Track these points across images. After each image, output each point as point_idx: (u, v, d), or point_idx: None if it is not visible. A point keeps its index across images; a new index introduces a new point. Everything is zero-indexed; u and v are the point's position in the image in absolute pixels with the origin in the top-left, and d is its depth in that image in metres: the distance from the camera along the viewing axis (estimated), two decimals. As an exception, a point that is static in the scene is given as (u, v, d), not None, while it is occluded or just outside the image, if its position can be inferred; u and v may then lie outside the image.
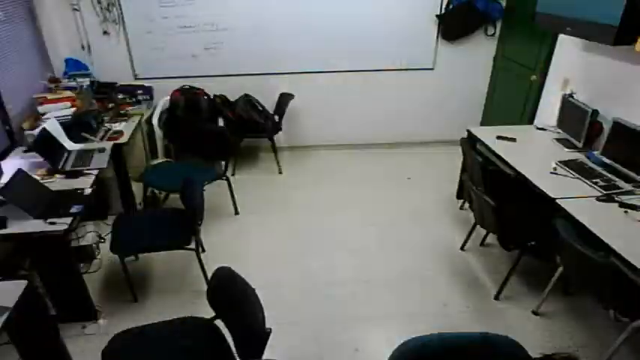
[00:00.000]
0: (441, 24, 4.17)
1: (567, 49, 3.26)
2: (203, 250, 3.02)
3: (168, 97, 4.04)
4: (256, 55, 4.18)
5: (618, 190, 2.35)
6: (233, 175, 4.14)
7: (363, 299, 2.63)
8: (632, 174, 2.43)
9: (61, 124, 3.00)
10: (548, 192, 2.36)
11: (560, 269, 2.35)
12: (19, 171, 2.29)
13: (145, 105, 3.89)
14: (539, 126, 3.33)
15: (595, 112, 2.80)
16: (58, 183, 2.49)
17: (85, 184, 2.46)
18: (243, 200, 3.64)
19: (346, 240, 3.19)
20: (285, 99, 4.22)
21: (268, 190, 3.91)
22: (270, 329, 1.61)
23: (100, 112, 3.41)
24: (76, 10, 3.83)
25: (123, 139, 3.11)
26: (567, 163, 2.66)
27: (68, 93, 3.37)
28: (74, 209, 2.20)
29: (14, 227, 2.07)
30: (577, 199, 2.29)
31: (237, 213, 3.51)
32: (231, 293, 1.74)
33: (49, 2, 3.73)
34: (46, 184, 2.41)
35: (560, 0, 2.73)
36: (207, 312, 2.53)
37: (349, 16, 4.08)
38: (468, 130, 3.30)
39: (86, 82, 3.64)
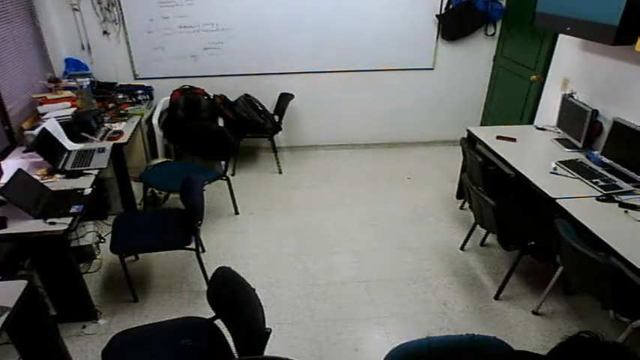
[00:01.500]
0: (440, 24, 4.17)
1: (567, 49, 3.26)
2: (203, 250, 3.02)
3: (169, 97, 4.05)
4: (256, 55, 4.18)
5: (618, 190, 2.35)
6: (233, 175, 4.14)
7: (363, 299, 2.63)
8: (632, 174, 2.43)
9: (61, 124, 2.99)
10: (548, 192, 2.36)
11: (560, 269, 2.35)
12: (19, 171, 2.29)
13: (145, 105, 3.89)
14: (539, 126, 3.33)
15: (595, 112, 2.80)
16: (58, 183, 2.49)
17: (85, 184, 2.46)
18: (243, 200, 3.64)
19: (346, 240, 3.19)
20: (285, 99, 4.22)
21: (268, 190, 3.91)
22: (270, 329, 1.61)
23: (100, 112, 3.41)
24: (76, 10, 3.83)
25: (123, 139, 3.11)
26: (567, 163, 2.66)
27: (68, 93, 3.37)
28: (74, 209, 2.20)
29: (14, 227, 2.07)
30: (577, 199, 2.29)
31: (237, 213, 3.51)
32: (231, 293, 1.74)
33: (49, 2, 3.73)
34: (46, 184, 2.41)
35: (560, 0, 2.73)
36: (207, 312, 2.53)
37: (349, 15, 4.08)
38: (468, 130, 3.30)
39: (86, 82, 3.63)
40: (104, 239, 3.05)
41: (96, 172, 2.61)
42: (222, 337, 1.88)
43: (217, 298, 1.88)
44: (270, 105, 4.31)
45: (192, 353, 1.79)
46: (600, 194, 2.33)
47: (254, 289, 1.69)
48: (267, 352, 2.30)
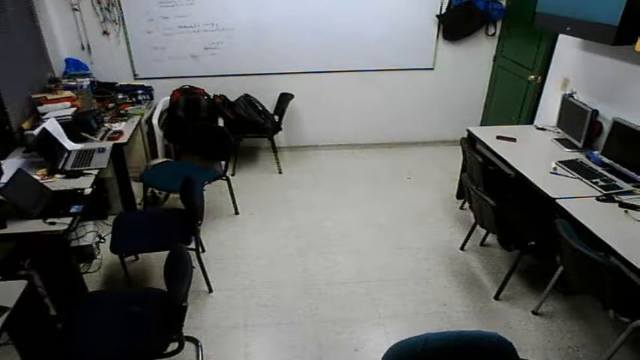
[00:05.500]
0: (441, 24, 4.17)
1: (567, 49, 3.26)
2: (203, 250, 3.02)
3: (168, 97, 4.05)
4: (256, 55, 4.18)
5: (618, 190, 2.35)
6: (233, 175, 4.14)
7: (363, 299, 2.63)
8: (632, 174, 2.43)
9: (61, 124, 2.99)
10: (548, 192, 2.36)
11: (560, 269, 2.35)
12: (19, 171, 2.29)
13: (145, 105, 3.89)
14: (539, 126, 3.33)
15: (595, 112, 2.80)
16: (58, 183, 2.48)
17: (85, 184, 2.46)
18: (243, 200, 3.64)
19: (346, 240, 3.19)
20: (285, 99, 4.22)
21: (268, 190, 3.91)
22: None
23: (100, 112, 3.41)
24: (76, 10, 3.83)
25: (123, 139, 3.11)
26: (567, 163, 2.66)
27: (68, 93, 3.37)
28: (74, 209, 2.20)
29: (14, 227, 2.07)
30: (577, 199, 2.29)
31: (237, 213, 3.51)
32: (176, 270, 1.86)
33: (49, 2, 3.73)
34: (46, 184, 2.41)
35: (560, 0, 2.73)
36: (207, 312, 2.54)
37: (349, 15, 4.08)
38: (468, 130, 3.30)
39: (86, 82, 3.63)
40: (104, 239, 3.05)
41: (96, 172, 2.61)
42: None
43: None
44: (270, 105, 4.31)
45: (139, 319, 1.89)
46: (600, 194, 2.33)
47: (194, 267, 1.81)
48: (267, 352, 2.31)
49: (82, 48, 3.98)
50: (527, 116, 3.73)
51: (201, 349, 2.25)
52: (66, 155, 2.82)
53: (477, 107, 4.65)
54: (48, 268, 2.24)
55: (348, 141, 4.75)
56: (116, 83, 4.05)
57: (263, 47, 4.15)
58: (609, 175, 2.50)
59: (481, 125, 4.64)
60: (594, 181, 2.45)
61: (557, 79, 3.37)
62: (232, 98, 4.19)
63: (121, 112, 3.58)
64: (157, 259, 2.94)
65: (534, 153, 2.92)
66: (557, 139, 3.06)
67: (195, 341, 2.29)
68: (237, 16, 4.00)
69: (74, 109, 3.29)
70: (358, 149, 4.73)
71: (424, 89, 4.52)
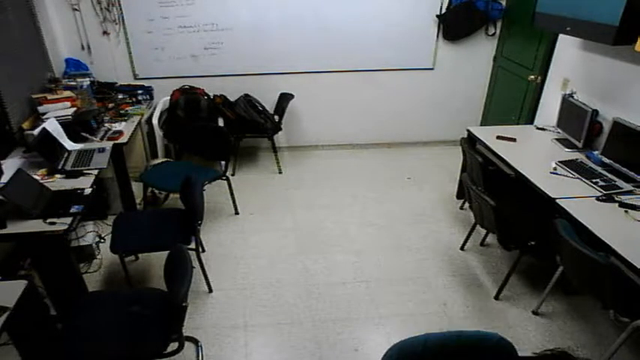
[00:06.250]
0: (441, 24, 4.17)
1: (567, 49, 3.26)
2: (203, 250, 3.02)
3: (168, 97, 4.05)
4: (256, 55, 4.18)
5: (618, 190, 2.35)
6: (233, 175, 4.14)
7: (362, 299, 2.63)
8: (632, 174, 2.43)
9: (61, 124, 2.99)
10: (548, 192, 2.36)
11: (560, 269, 2.35)
12: (19, 171, 2.29)
13: (145, 105, 3.89)
14: (539, 126, 3.33)
15: (595, 112, 2.80)
16: (58, 183, 2.48)
17: (85, 184, 2.46)
18: (243, 200, 3.64)
19: (346, 240, 3.19)
20: (285, 99, 4.22)
21: (268, 190, 3.91)
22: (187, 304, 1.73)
23: (100, 112, 3.40)
24: (76, 10, 3.83)
25: (123, 139, 3.11)
26: (567, 163, 2.66)
27: (68, 93, 3.37)
28: (74, 209, 2.20)
29: (14, 227, 2.07)
30: (577, 199, 2.29)
31: (237, 213, 3.51)
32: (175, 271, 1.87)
33: (49, 2, 3.73)
34: (46, 184, 2.41)
35: (560, 0, 2.73)
36: (207, 313, 2.54)
37: (349, 16, 4.08)
38: (468, 130, 3.30)
39: (86, 82, 3.63)
40: (104, 239, 3.05)
41: (96, 172, 2.61)
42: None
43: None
44: (270, 105, 4.31)
45: (139, 318, 1.89)
46: (600, 194, 2.33)
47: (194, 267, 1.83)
48: (267, 352, 2.31)
49: (82, 48, 3.98)
50: (527, 116, 3.74)
51: (201, 349, 2.25)
52: (66, 155, 2.82)
53: (477, 107, 4.65)
54: (48, 268, 2.24)
55: (348, 141, 4.75)
56: (116, 83, 4.05)
57: (263, 47, 4.15)
58: (609, 175, 2.50)
59: (481, 125, 4.64)
60: (594, 181, 2.45)
61: (557, 79, 3.37)
62: (232, 98, 4.19)
63: (121, 112, 3.58)
64: (157, 259, 2.94)
65: (534, 153, 2.92)
66: (557, 139, 3.06)
67: (195, 341, 2.29)
68: (237, 16, 4.00)
69: (74, 109, 3.29)
70: (358, 149, 4.73)
71: (424, 89, 4.52)
